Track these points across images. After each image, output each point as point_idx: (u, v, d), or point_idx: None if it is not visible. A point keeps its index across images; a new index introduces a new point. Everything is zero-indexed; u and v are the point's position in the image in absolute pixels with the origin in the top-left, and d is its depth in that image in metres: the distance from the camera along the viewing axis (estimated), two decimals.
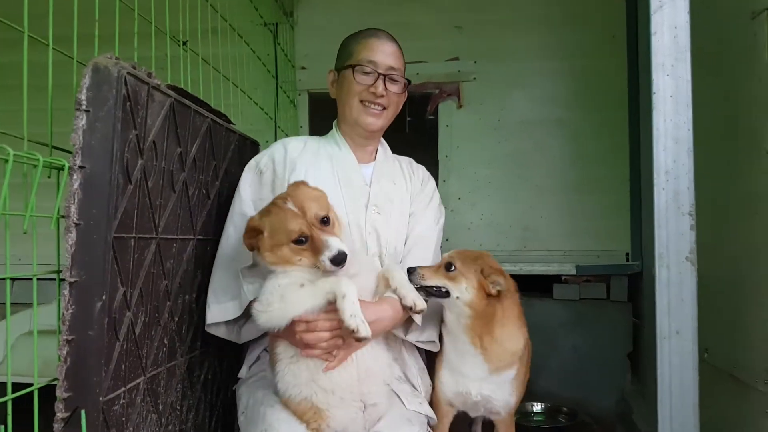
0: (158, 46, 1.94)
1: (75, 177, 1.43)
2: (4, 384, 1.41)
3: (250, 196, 2.16)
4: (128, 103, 1.52)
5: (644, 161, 2.17)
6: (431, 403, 2.15)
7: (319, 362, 1.82)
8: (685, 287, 1.97)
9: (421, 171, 2.43)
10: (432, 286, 2.02)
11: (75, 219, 1.43)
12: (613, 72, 4.24)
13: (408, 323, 2.09)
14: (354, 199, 2.19)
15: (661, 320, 1.98)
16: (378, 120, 2.23)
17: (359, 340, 1.72)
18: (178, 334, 1.94)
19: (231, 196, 2.21)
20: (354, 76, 2.18)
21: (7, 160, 1.26)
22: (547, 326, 4.10)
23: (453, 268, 2.02)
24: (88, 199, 1.44)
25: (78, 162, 1.43)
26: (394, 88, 2.21)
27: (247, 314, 1.99)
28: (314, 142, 2.32)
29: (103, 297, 1.47)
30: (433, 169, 2.37)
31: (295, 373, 1.84)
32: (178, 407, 1.96)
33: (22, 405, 1.39)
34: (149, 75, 1.64)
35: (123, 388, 1.59)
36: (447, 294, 2.02)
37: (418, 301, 1.95)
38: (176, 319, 1.92)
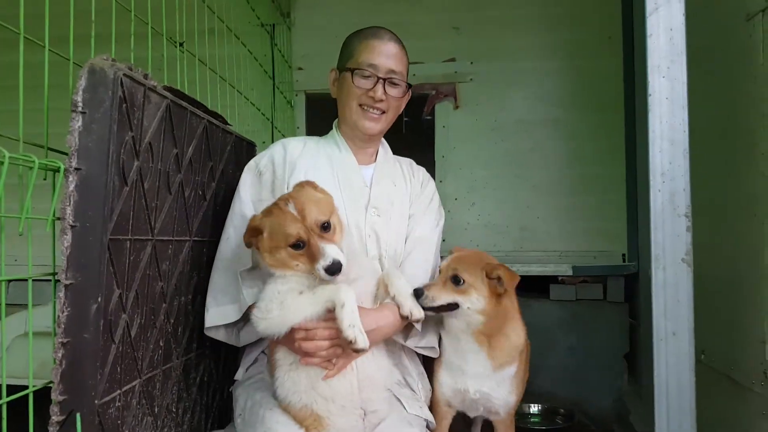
0: (155, 46, 1.94)
1: (71, 179, 1.42)
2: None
3: (249, 197, 2.14)
4: (124, 105, 1.52)
5: (640, 163, 2.17)
6: (430, 407, 2.14)
7: (319, 370, 1.81)
8: (682, 289, 1.97)
9: (421, 173, 2.41)
10: (443, 306, 1.98)
11: (71, 221, 1.42)
12: (610, 72, 4.25)
13: (408, 328, 2.07)
14: (354, 201, 2.17)
15: (657, 322, 1.98)
16: (377, 124, 2.20)
17: (357, 351, 1.71)
18: (173, 336, 1.93)
19: (227, 197, 2.20)
20: (353, 80, 2.15)
21: (2, 163, 1.26)
22: (544, 327, 4.10)
23: (462, 281, 1.98)
24: (83, 200, 1.44)
25: (74, 164, 1.43)
26: (393, 92, 2.18)
27: (246, 317, 1.98)
28: (314, 142, 2.30)
29: (99, 299, 1.46)
30: (430, 169, 2.38)
31: (295, 380, 1.83)
32: (174, 410, 1.95)
33: (17, 407, 1.39)
34: (145, 76, 1.64)
35: (118, 391, 1.59)
36: (456, 306, 1.99)
37: (416, 311, 1.93)
38: (172, 321, 1.92)
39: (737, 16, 2.40)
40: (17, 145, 1.37)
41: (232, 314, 2.02)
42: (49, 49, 1.48)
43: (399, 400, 2.02)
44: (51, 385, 1.42)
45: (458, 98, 4.54)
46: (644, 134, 2.07)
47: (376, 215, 2.19)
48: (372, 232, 2.17)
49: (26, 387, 1.41)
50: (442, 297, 1.98)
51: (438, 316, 2.07)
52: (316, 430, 1.79)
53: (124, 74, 1.51)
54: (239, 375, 2.18)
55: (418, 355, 2.23)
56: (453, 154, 4.54)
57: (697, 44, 2.18)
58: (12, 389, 1.39)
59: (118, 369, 1.58)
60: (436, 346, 2.13)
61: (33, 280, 1.47)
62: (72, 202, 1.43)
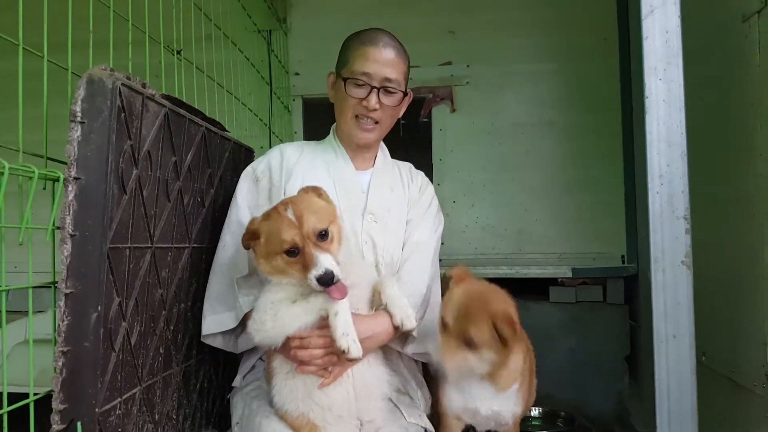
0: (152, 53, 1.94)
1: (70, 188, 1.43)
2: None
3: (246, 203, 2.13)
4: (123, 114, 1.52)
5: (638, 165, 2.17)
6: (431, 417, 2.11)
7: (315, 379, 1.80)
8: (681, 291, 1.97)
9: (420, 177, 2.38)
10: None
11: (70, 230, 1.43)
12: (606, 74, 4.25)
13: (405, 335, 2.03)
14: (350, 207, 2.15)
15: (657, 324, 1.98)
16: (371, 134, 2.17)
17: (351, 359, 1.70)
18: (173, 343, 1.93)
19: (226, 203, 2.20)
20: (346, 89, 2.12)
21: (2, 173, 1.26)
22: (543, 329, 4.09)
23: (474, 343, 1.84)
24: (83, 210, 1.44)
25: (73, 173, 1.43)
26: (388, 101, 2.14)
27: (243, 324, 1.97)
28: (311, 148, 2.28)
29: (99, 308, 1.46)
30: (428, 173, 2.38)
31: (292, 388, 1.82)
32: (174, 416, 1.95)
33: (17, 414, 1.39)
34: (143, 85, 1.64)
35: (119, 399, 1.59)
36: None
37: (407, 321, 1.89)
38: (172, 328, 1.92)
39: (733, 17, 2.40)
40: (16, 154, 1.37)
41: (228, 322, 2.01)
42: (48, 60, 1.49)
43: (398, 408, 2.01)
44: (52, 393, 1.42)
45: (455, 101, 4.54)
46: (642, 136, 2.07)
47: (373, 221, 2.16)
48: (369, 238, 2.14)
49: (25, 394, 1.41)
50: (455, 360, 1.87)
51: (435, 320, 2.06)
52: None
53: (123, 84, 1.51)
54: (237, 382, 2.17)
55: (418, 362, 2.22)
56: (450, 158, 4.55)
57: (694, 46, 2.19)
58: (12, 396, 1.39)
59: (119, 377, 1.58)
60: (433, 353, 2.11)
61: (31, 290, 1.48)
62: (71, 212, 1.43)
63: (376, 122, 2.16)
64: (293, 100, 4.64)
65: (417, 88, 4.46)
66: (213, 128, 2.18)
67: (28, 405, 1.41)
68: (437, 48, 4.51)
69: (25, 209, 1.34)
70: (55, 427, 1.41)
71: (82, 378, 1.44)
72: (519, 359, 2.03)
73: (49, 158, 1.48)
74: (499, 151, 4.47)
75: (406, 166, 2.40)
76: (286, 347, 1.80)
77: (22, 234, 1.32)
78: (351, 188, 2.20)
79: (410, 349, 2.06)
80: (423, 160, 4.37)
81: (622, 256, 4.20)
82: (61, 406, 1.42)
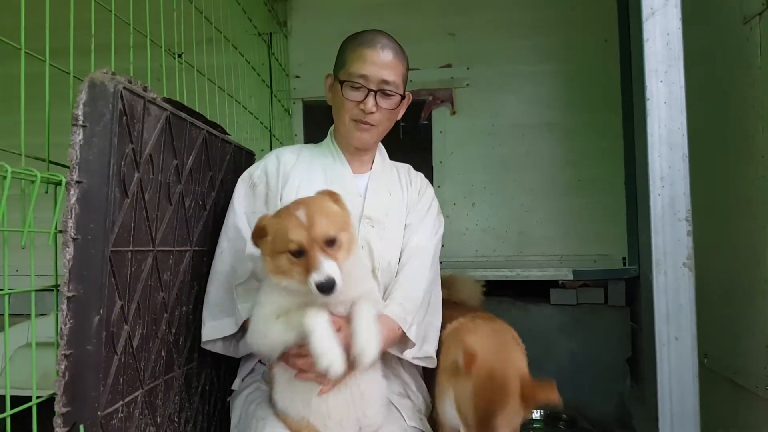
0: (154, 57, 1.94)
1: (72, 192, 1.43)
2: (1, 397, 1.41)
3: (243, 208, 2.12)
4: (124, 118, 1.52)
5: (639, 167, 2.18)
6: (430, 420, 2.09)
7: (315, 386, 1.77)
8: (683, 293, 1.97)
9: (419, 180, 2.33)
10: None
11: (72, 233, 1.43)
12: (607, 76, 4.25)
13: (405, 340, 2.00)
14: None
15: (659, 326, 1.98)
16: (368, 135, 2.14)
17: (335, 377, 1.65)
18: (175, 345, 1.93)
19: (227, 206, 2.20)
20: (343, 91, 2.09)
21: (5, 177, 1.26)
22: (544, 331, 4.09)
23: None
24: (85, 213, 1.44)
25: (75, 177, 1.43)
26: (385, 103, 2.10)
27: (243, 329, 1.97)
28: (309, 151, 2.26)
29: (101, 311, 1.47)
30: (428, 175, 2.36)
31: (292, 395, 1.81)
32: (176, 419, 1.95)
33: (18, 416, 1.39)
34: (145, 89, 1.64)
35: (121, 402, 1.59)
36: None
37: (364, 356, 1.68)
38: (173, 330, 1.92)
39: (734, 19, 2.40)
40: (19, 158, 1.38)
41: (228, 328, 2.01)
42: (50, 64, 1.49)
43: (399, 411, 2.01)
44: (54, 396, 1.43)
45: (455, 104, 4.54)
46: (643, 139, 2.07)
47: (370, 226, 2.13)
48: (365, 243, 2.10)
49: (28, 397, 1.41)
50: None
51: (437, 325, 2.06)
52: None
53: (124, 87, 1.51)
54: (236, 385, 2.17)
55: (417, 366, 2.20)
56: (451, 160, 4.55)
57: (695, 48, 2.19)
58: (14, 399, 1.39)
59: (121, 380, 1.58)
60: (434, 356, 2.09)
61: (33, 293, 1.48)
62: (74, 215, 1.43)
63: (374, 125, 2.13)
64: (293, 103, 4.64)
65: (417, 90, 4.47)
66: (214, 131, 2.18)
67: (30, 408, 1.41)
68: (437, 50, 4.51)
69: (27, 212, 1.34)
70: (57, 430, 1.41)
71: (84, 381, 1.44)
72: None
73: (51, 162, 1.48)
74: (499, 153, 4.47)
75: (405, 168, 2.37)
76: (286, 354, 1.78)
77: (24, 237, 1.33)
78: (348, 192, 2.12)
79: (409, 354, 2.03)
80: (423, 163, 4.37)
81: (623, 258, 4.20)
82: (64, 409, 1.42)
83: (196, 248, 2.06)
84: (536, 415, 3.88)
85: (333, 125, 2.28)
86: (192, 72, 2.37)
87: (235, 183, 2.21)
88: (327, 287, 1.60)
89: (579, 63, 4.34)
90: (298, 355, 1.75)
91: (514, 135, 4.45)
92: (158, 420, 1.81)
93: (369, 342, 1.71)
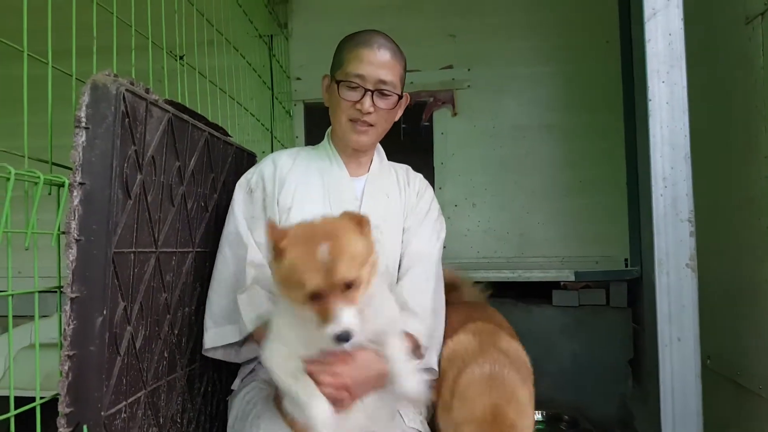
0: (155, 59, 1.95)
1: (75, 193, 1.43)
2: (2, 398, 1.41)
3: (242, 214, 2.10)
4: (127, 120, 1.53)
5: (641, 168, 2.17)
6: (431, 423, 2.07)
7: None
8: (686, 294, 1.97)
9: (417, 181, 2.30)
10: None
11: (75, 235, 1.43)
12: (608, 76, 4.24)
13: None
14: None
15: (662, 327, 1.98)
16: (366, 137, 2.11)
17: None
18: (178, 346, 1.93)
19: (228, 208, 2.20)
20: (339, 91, 2.06)
21: (8, 179, 1.27)
22: (546, 333, 4.09)
23: None
24: (88, 215, 1.45)
25: (78, 179, 1.43)
26: (382, 103, 2.07)
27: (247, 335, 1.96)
28: (306, 154, 2.23)
29: (104, 312, 1.47)
30: (430, 176, 2.34)
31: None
32: (179, 420, 1.95)
33: (23, 419, 1.39)
34: (147, 91, 1.64)
35: (124, 402, 1.59)
36: None
37: (412, 390, 1.68)
38: (176, 332, 1.92)
39: (736, 19, 2.41)
40: (22, 160, 1.38)
41: (231, 335, 2.00)
42: (52, 66, 1.49)
43: (398, 412, 1.98)
44: (57, 396, 1.43)
45: (456, 105, 4.54)
46: (645, 139, 2.07)
47: None
48: None
49: (30, 398, 1.41)
50: None
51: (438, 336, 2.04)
52: None
53: (126, 89, 1.52)
54: (235, 385, 2.16)
55: None
56: (452, 161, 4.55)
57: (697, 48, 2.19)
58: (16, 400, 1.39)
59: (124, 381, 1.58)
60: (436, 367, 2.06)
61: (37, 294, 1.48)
62: (76, 217, 1.43)
63: (371, 125, 2.10)
64: (295, 104, 4.64)
65: (418, 92, 4.48)
66: (216, 133, 2.18)
67: (32, 409, 1.41)
68: (438, 51, 4.51)
69: (30, 214, 1.35)
70: (61, 430, 1.41)
71: (87, 381, 1.44)
72: None
73: (54, 164, 1.48)
74: (500, 154, 4.46)
75: (404, 169, 2.33)
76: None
77: (28, 238, 1.33)
78: (345, 196, 2.13)
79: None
80: (424, 164, 4.37)
81: (626, 260, 4.20)
82: (68, 410, 1.42)
83: (199, 250, 2.06)
84: (538, 416, 3.88)
85: (330, 127, 2.24)
86: (193, 74, 2.38)
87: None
88: (344, 338, 1.49)
89: (580, 64, 4.34)
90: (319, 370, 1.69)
91: (516, 136, 4.44)
92: (161, 421, 1.81)
93: (411, 380, 1.69)
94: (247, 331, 1.94)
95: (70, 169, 1.44)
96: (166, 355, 1.85)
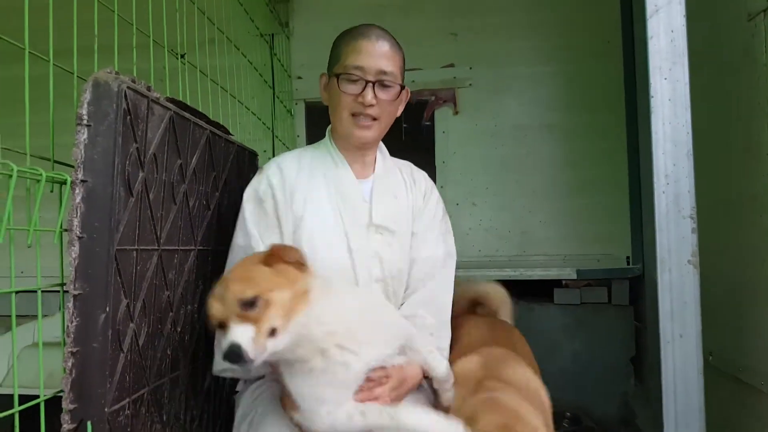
0: (157, 57, 1.95)
1: (77, 191, 1.43)
2: (6, 396, 1.42)
3: (255, 227, 2.01)
4: (128, 117, 1.53)
5: (644, 165, 2.18)
6: None
7: (342, 397, 1.69)
8: (688, 291, 1.97)
9: (423, 181, 2.24)
10: None
11: (78, 232, 1.43)
12: (609, 75, 4.25)
13: None
14: (354, 221, 2.03)
15: (664, 324, 1.98)
16: (370, 132, 2.03)
17: None
18: (180, 344, 1.93)
19: (231, 206, 2.19)
20: (339, 85, 1.99)
21: (10, 176, 1.27)
22: (548, 331, 4.09)
23: None
24: (90, 212, 1.45)
25: (80, 176, 1.43)
26: (384, 95, 2.00)
27: None
28: (309, 155, 2.15)
29: (107, 309, 1.47)
30: (431, 175, 2.33)
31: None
32: (182, 417, 1.95)
33: (22, 415, 1.39)
34: (148, 89, 1.64)
35: (127, 399, 1.59)
36: None
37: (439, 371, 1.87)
38: (179, 329, 1.92)
39: (739, 16, 2.40)
40: (24, 158, 1.38)
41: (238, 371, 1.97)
42: (54, 64, 1.49)
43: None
44: (61, 394, 1.43)
45: (458, 104, 4.55)
46: (647, 136, 2.07)
47: (378, 233, 2.05)
48: (374, 252, 2.02)
49: (34, 396, 1.42)
50: None
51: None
52: None
53: (128, 87, 1.52)
54: (239, 386, 2.15)
55: None
56: (453, 160, 4.55)
57: (699, 45, 2.19)
58: (20, 399, 1.39)
59: (127, 378, 1.59)
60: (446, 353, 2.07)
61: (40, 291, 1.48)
62: (79, 214, 1.43)
63: (375, 119, 2.03)
64: (296, 103, 4.65)
65: (419, 90, 4.48)
66: (217, 131, 2.18)
67: (35, 406, 1.42)
68: (440, 50, 4.52)
69: (33, 212, 1.35)
70: (65, 426, 1.41)
71: (91, 378, 1.44)
72: None
73: (56, 161, 1.48)
74: (502, 153, 4.47)
75: (407, 167, 2.28)
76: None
77: (30, 236, 1.33)
78: (353, 200, 2.07)
79: None
80: (426, 163, 4.33)
81: (627, 257, 4.20)
82: (71, 406, 1.42)
83: (201, 248, 2.06)
84: None
85: (329, 126, 2.18)
86: (195, 73, 2.38)
87: (238, 183, 2.18)
88: (233, 355, 1.44)
89: (581, 64, 4.35)
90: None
91: (517, 135, 4.46)
92: (164, 418, 1.82)
93: (441, 366, 1.88)
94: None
95: (72, 166, 1.44)
96: (168, 352, 1.85)
